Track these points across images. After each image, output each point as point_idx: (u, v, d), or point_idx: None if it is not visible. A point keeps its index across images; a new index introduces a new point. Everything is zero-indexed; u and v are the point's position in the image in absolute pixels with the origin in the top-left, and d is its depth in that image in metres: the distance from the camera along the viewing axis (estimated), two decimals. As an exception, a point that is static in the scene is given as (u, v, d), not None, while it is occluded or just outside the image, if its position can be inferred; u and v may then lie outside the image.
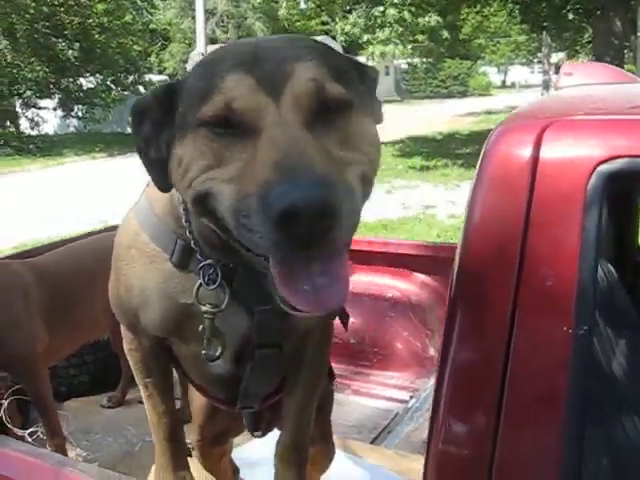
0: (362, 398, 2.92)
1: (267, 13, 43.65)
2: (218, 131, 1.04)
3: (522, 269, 1.07)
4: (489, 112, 29.05)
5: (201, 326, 1.35)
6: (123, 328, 1.58)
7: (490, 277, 1.12)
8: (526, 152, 1.09)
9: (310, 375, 1.61)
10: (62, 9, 21.93)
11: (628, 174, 1.05)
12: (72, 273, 2.64)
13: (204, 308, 1.32)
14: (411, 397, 2.89)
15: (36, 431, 2.45)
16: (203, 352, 1.37)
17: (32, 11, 20.45)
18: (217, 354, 1.37)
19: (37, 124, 23.05)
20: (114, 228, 3.79)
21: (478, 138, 18.69)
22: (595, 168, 1.05)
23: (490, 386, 1.10)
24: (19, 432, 2.41)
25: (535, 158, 1.08)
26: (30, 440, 2.36)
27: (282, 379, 1.64)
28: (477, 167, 1.18)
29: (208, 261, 1.31)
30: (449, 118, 26.69)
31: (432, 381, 2.94)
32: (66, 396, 2.82)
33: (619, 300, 1.84)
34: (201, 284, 1.32)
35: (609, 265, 1.86)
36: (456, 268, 1.22)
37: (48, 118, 24.13)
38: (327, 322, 1.58)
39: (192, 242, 1.31)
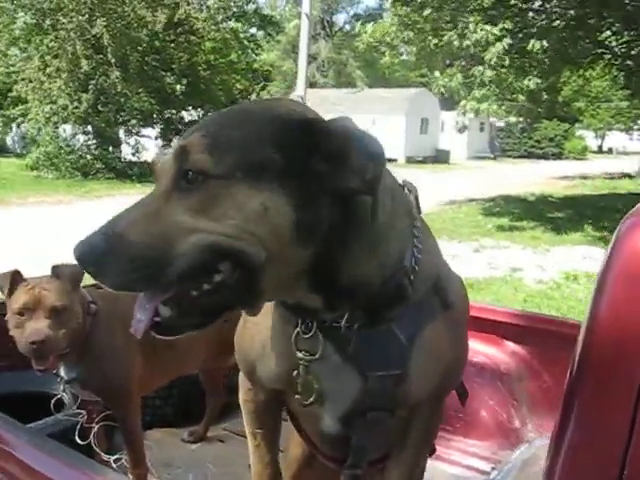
0: (441, 463, 2.86)
1: (368, 61, 44.36)
2: None
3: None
4: (584, 177, 28.49)
5: (295, 371, 1.39)
6: (241, 378, 1.66)
7: (615, 367, 1.10)
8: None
9: (416, 447, 1.61)
10: (173, 45, 22.94)
11: None
12: None
13: (299, 355, 1.37)
14: (493, 469, 2.82)
15: (120, 458, 2.50)
16: (296, 397, 1.41)
17: (145, 45, 21.43)
18: (310, 401, 1.41)
19: (138, 151, 24.01)
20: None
21: (572, 203, 18.33)
22: None
23: (607, 474, 1.08)
24: (105, 457, 2.48)
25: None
26: (114, 466, 2.41)
27: (390, 446, 1.64)
28: (606, 255, 1.16)
29: None
30: (542, 180, 26.27)
31: (516, 454, 2.86)
32: (149, 425, 2.87)
33: None
34: (298, 332, 1.37)
35: None
36: (579, 351, 1.20)
37: (148, 146, 25.11)
38: (440, 396, 1.58)
39: None
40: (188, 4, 21.93)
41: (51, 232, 11.73)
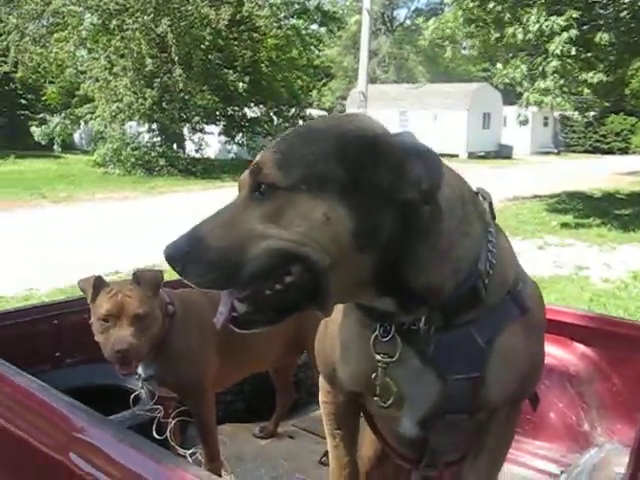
0: (510, 465, 2.85)
1: (429, 56, 44.01)
2: None
3: None
4: (651, 173, 27.69)
5: (374, 374, 1.43)
6: (321, 380, 1.71)
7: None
8: None
9: (493, 452, 1.64)
10: (235, 42, 23.20)
11: None
12: None
13: (378, 357, 1.42)
14: (562, 472, 2.80)
15: (195, 452, 2.58)
16: (375, 399, 1.47)
17: (208, 43, 21.72)
18: (389, 402, 1.46)
19: (201, 147, 24.38)
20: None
21: (639, 199, 17.83)
22: None
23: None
24: (181, 451, 2.56)
25: None
26: (190, 460, 2.49)
27: (466, 448, 1.68)
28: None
29: None
30: (608, 175, 25.64)
31: (585, 457, 2.84)
32: (221, 420, 2.94)
33: None
34: (377, 336, 1.42)
35: None
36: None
37: (211, 143, 25.48)
38: (517, 401, 1.61)
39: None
40: (251, 1, 22.14)
41: (119, 227, 12.05)
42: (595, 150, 41.31)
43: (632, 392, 3.01)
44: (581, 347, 3.11)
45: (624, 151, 41.91)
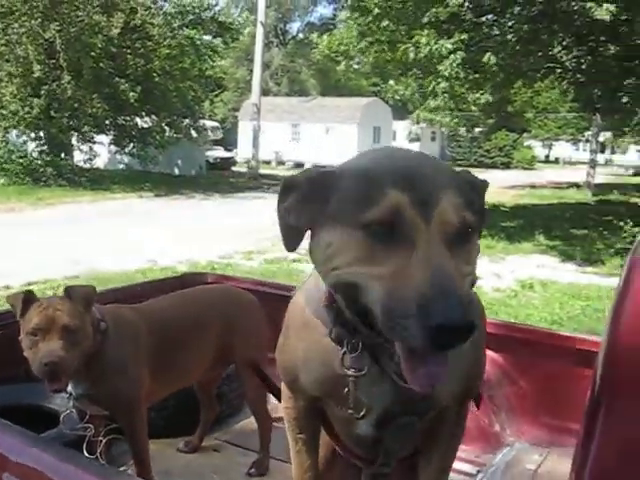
0: (430, 467, 3.00)
1: (321, 70, 44.64)
2: (375, 235, 1.24)
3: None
4: (533, 186, 29.19)
5: (346, 389, 1.52)
6: (283, 388, 1.79)
7: (638, 374, 1.24)
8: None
9: (444, 451, 1.77)
10: (128, 51, 22.76)
11: None
12: (176, 321, 2.79)
13: (348, 372, 1.50)
14: (478, 472, 2.96)
15: (126, 470, 2.56)
16: (349, 412, 1.55)
17: (99, 50, 21.19)
18: (362, 414, 1.55)
19: (90, 158, 23.72)
20: (203, 275, 3.95)
21: (522, 212, 18.80)
22: None
23: (631, 475, 1.21)
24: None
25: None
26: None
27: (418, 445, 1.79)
28: (624, 273, 1.30)
29: None
30: (493, 189, 26.32)
31: (498, 457, 3.01)
32: (144, 438, 2.92)
33: None
34: (345, 352, 1.49)
35: None
36: (602, 362, 1.33)
37: (100, 153, 24.83)
38: (463, 401, 1.73)
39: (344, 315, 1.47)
40: (145, 9, 21.80)
41: (5, 240, 11.57)
42: (479, 164, 43.09)
43: (537, 395, 3.22)
44: (490, 353, 3.28)
45: (506, 166, 43.99)
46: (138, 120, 24.52)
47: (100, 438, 2.57)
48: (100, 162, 25.91)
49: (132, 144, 24.43)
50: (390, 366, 1.34)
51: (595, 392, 1.36)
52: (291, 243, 1.41)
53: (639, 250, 1.32)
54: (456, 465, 3.10)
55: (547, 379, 3.19)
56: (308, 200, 1.37)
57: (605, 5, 16.19)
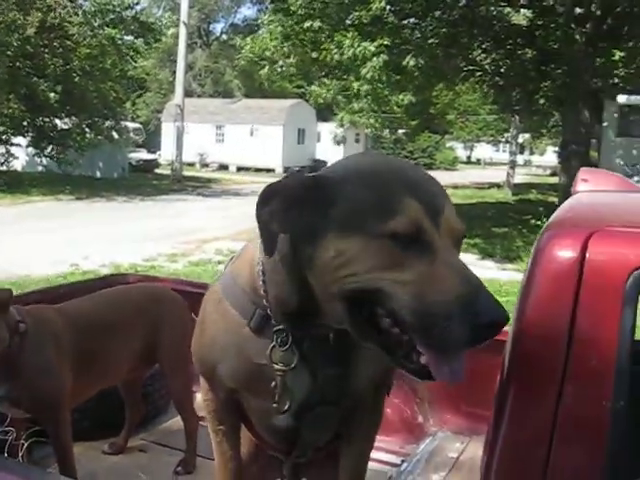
0: (355, 459, 3.05)
1: (245, 71, 44.46)
2: (399, 244, 1.27)
3: (569, 352, 1.26)
4: (455, 186, 29.79)
5: (274, 382, 1.54)
6: (202, 381, 1.78)
7: (542, 359, 1.31)
8: (573, 255, 1.31)
9: (363, 438, 1.82)
10: (46, 50, 22.14)
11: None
12: (98, 321, 2.76)
13: (277, 367, 1.52)
14: (402, 461, 3.02)
15: (50, 472, 2.51)
16: (274, 405, 1.57)
17: (15, 49, 20.56)
18: (285, 408, 1.56)
19: (7, 160, 22.98)
20: (124, 277, 3.90)
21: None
22: (632, 272, 1.26)
23: (537, 457, 1.28)
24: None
25: (581, 261, 1.30)
26: None
27: (334, 436, 1.82)
28: (529, 264, 1.38)
29: (281, 326, 1.51)
30: (416, 189, 27.21)
31: (421, 447, 3.08)
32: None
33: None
34: (274, 346, 1.51)
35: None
36: (509, 349, 1.40)
37: (18, 155, 24.09)
38: (380, 389, 1.78)
39: (268, 309, 1.50)
40: (63, 8, 21.25)
41: None
42: (403, 166, 43.59)
43: (458, 385, 3.31)
44: (413, 347, 3.36)
45: (429, 167, 44.73)
46: (58, 121, 23.86)
47: (22, 441, 2.51)
48: (18, 164, 25.14)
49: (51, 146, 23.76)
50: (407, 366, 1.34)
51: (503, 379, 1.43)
52: (271, 248, 1.39)
53: (542, 242, 1.40)
54: (381, 456, 3.19)
55: (467, 369, 3.28)
56: (301, 207, 1.35)
57: (522, 10, 16.79)
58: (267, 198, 1.37)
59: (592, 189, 1.87)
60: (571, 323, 1.27)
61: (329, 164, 1.55)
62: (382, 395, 1.82)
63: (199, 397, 2.73)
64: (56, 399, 2.49)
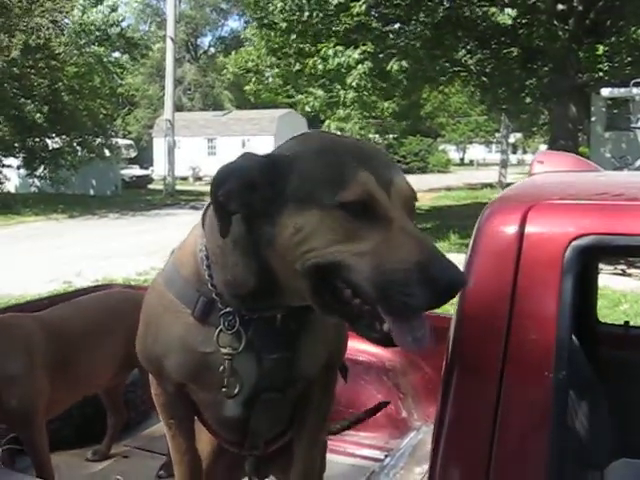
0: (338, 456, 3.03)
1: (234, 83, 44.56)
2: (353, 214, 1.28)
3: (510, 326, 1.27)
4: (448, 188, 29.91)
5: (221, 367, 1.53)
6: (150, 375, 1.77)
7: (484, 334, 1.32)
8: (513, 229, 1.32)
9: (317, 418, 1.80)
10: (33, 71, 22.19)
11: (596, 248, 1.27)
12: (77, 328, 2.75)
13: (224, 350, 1.51)
14: (386, 456, 3.02)
15: (29, 480, 2.50)
16: (223, 390, 1.55)
17: (0, 72, 20.58)
18: (235, 392, 1.56)
19: (0, 182, 23.00)
20: (105, 287, 3.91)
21: (438, 213, 19.22)
22: (570, 243, 1.27)
23: (483, 434, 1.29)
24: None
25: (521, 234, 1.31)
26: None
27: (288, 426, 1.82)
28: (471, 241, 1.39)
29: (228, 309, 1.50)
30: (409, 193, 27.24)
31: (405, 441, 3.08)
32: (51, 449, 2.86)
33: (581, 365, 2.05)
34: (221, 329, 1.51)
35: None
36: (453, 328, 1.41)
37: (11, 176, 24.10)
38: (331, 371, 1.78)
39: (214, 293, 1.50)
40: (48, 28, 21.30)
41: None
42: (396, 170, 43.63)
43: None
44: (394, 343, 3.37)
45: (423, 170, 44.89)
46: (48, 141, 23.90)
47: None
48: (11, 186, 25.15)
49: (43, 166, 23.77)
50: (370, 334, 1.32)
51: (447, 360, 1.43)
52: (227, 229, 1.39)
53: (482, 219, 1.41)
54: (364, 452, 3.20)
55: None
56: (257, 186, 1.36)
57: (506, 9, 16.86)
58: (223, 179, 1.38)
59: (547, 170, 1.89)
60: (512, 298, 1.28)
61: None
62: (332, 378, 1.81)
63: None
64: (26, 410, 2.47)
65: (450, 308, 1.49)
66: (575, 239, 1.27)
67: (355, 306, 1.31)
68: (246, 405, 1.65)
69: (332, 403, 1.85)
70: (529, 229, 1.31)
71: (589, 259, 1.62)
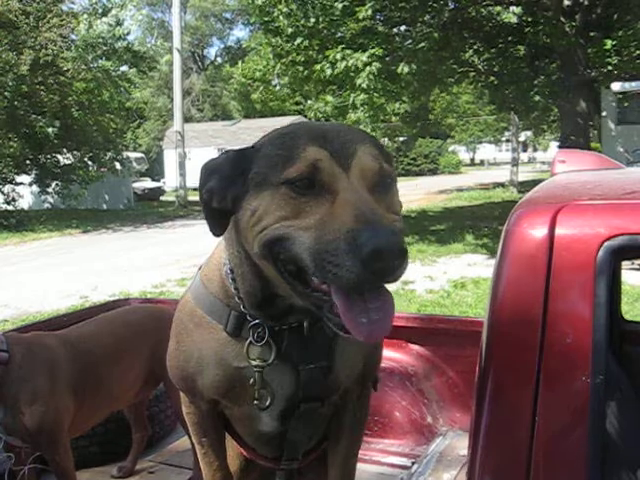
0: (365, 465, 3.01)
1: (242, 93, 44.67)
2: (298, 189, 1.28)
3: (545, 330, 1.25)
4: (460, 189, 29.80)
5: (252, 379, 1.52)
6: (181, 393, 1.75)
7: (518, 339, 1.29)
8: (543, 232, 1.30)
9: (352, 430, 1.78)
10: (42, 87, 22.31)
11: (629, 249, 1.25)
12: (101, 346, 2.74)
13: (254, 362, 1.51)
14: (413, 463, 3.00)
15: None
16: (255, 402, 1.55)
17: (11, 89, 20.71)
18: (267, 404, 1.55)
19: (13, 199, 23.11)
20: (123, 300, 3.91)
21: (450, 215, 19.15)
22: (602, 244, 1.25)
23: (521, 440, 1.26)
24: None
25: (551, 237, 1.29)
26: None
27: (323, 437, 1.81)
28: (500, 245, 1.36)
29: (256, 321, 1.50)
30: (421, 196, 27.28)
31: (432, 447, 3.05)
32: (76, 467, 2.86)
33: (610, 365, 2.01)
34: (251, 342, 1.50)
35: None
36: (485, 334, 1.38)
37: (24, 193, 24.22)
38: (364, 382, 1.75)
39: (242, 306, 1.50)
40: (55, 44, 21.42)
41: None
42: (407, 173, 43.75)
43: (466, 382, 3.29)
44: (416, 347, 3.34)
45: (433, 172, 44.82)
46: (60, 157, 24.01)
47: (24, 467, 2.50)
48: (25, 203, 25.28)
49: (55, 182, 23.88)
50: (331, 320, 1.29)
51: (481, 364, 1.41)
52: (217, 228, 1.42)
53: (511, 222, 1.38)
54: (391, 459, 3.18)
55: (474, 366, 3.25)
56: (230, 179, 1.39)
57: (511, 8, 16.81)
58: (205, 177, 1.42)
59: (569, 169, 1.86)
60: (545, 302, 1.26)
61: None
62: (367, 389, 1.80)
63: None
64: (51, 429, 2.46)
65: (482, 311, 1.47)
66: (607, 240, 1.24)
67: (320, 291, 1.29)
68: (282, 418, 1.64)
69: (368, 413, 1.83)
70: (559, 231, 1.29)
71: (622, 260, 1.60)
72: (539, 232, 1.30)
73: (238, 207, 1.37)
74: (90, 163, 24.47)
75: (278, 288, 1.42)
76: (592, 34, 15.10)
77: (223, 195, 1.39)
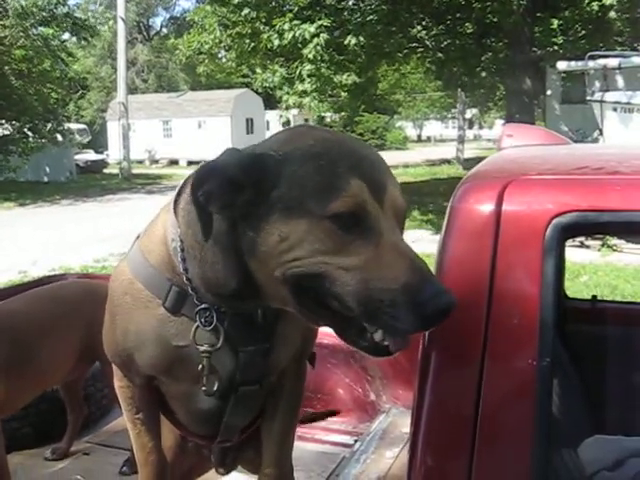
0: (307, 443, 2.97)
1: (189, 64, 43.90)
2: (344, 226, 1.21)
3: (490, 310, 1.20)
4: (406, 165, 29.97)
5: (200, 365, 1.45)
6: (115, 367, 1.66)
7: (462, 318, 1.24)
8: (490, 207, 1.25)
9: (289, 407, 1.73)
10: (-23, 56, 21.51)
11: (579, 226, 1.21)
12: (30, 322, 2.62)
13: (202, 348, 1.43)
14: (356, 441, 2.97)
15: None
16: (203, 388, 1.48)
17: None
18: (214, 389, 1.48)
19: (-51, 171, 22.35)
20: (61, 276, 3.77)
21: (404, 188, 19.25)
22: (551, 221, 1.20)
23: (465, 418, 1.22)
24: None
25: (498, 212, 1.24)
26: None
27: (258, 414, 1.75)
28: (445, 221, 1.31)
29: (204, 305, 1.42)
30: (368, 171, 27.29)
31: (375, 424, 3.03)
32: (8, 450, 2.74)
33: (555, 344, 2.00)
34: (198, 326, 1.42)
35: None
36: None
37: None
38: (301, 358, 1.71)
39: (189, 288, 1.41)
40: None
41: None
42: (354, 148, 43.63)
43: (410, 360, 3.26)
44: (362, 324, 3.31)
45: (380, 147, 44.86)
46: (-2, 127, 23.28)
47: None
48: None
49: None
50: (351, 339, 1.29)
51: (425, 343, 1.37)
52: (209, 232, 1.30)
53: (456, 197, 1.33)
54: (333, 437, 3.14)
55: (417, 342, 3.24)
56: (239, 187, 1.26)
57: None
58: (203, 178, 1.28)
59: (517, 144, 1.82)
60: (490, 280, 1.21)
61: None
62: (303, 366, 1.75)
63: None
64: None
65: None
66: (556, 216, 1.20)
67: (343, 315, 1.25)
68: (221, 398, 1.58)
69: (303, 390, 1.79)
70: (507, 207, 1.24)
71: (571, 237, 1.56)
72: (486, 207, 1.24)
73: (254, 225, 1.26)
74: (30, 134, 23.75)
75: (265, 296, 1.36)
76: (539, 14, 15.23)
77: (226, 202, 1.27)
